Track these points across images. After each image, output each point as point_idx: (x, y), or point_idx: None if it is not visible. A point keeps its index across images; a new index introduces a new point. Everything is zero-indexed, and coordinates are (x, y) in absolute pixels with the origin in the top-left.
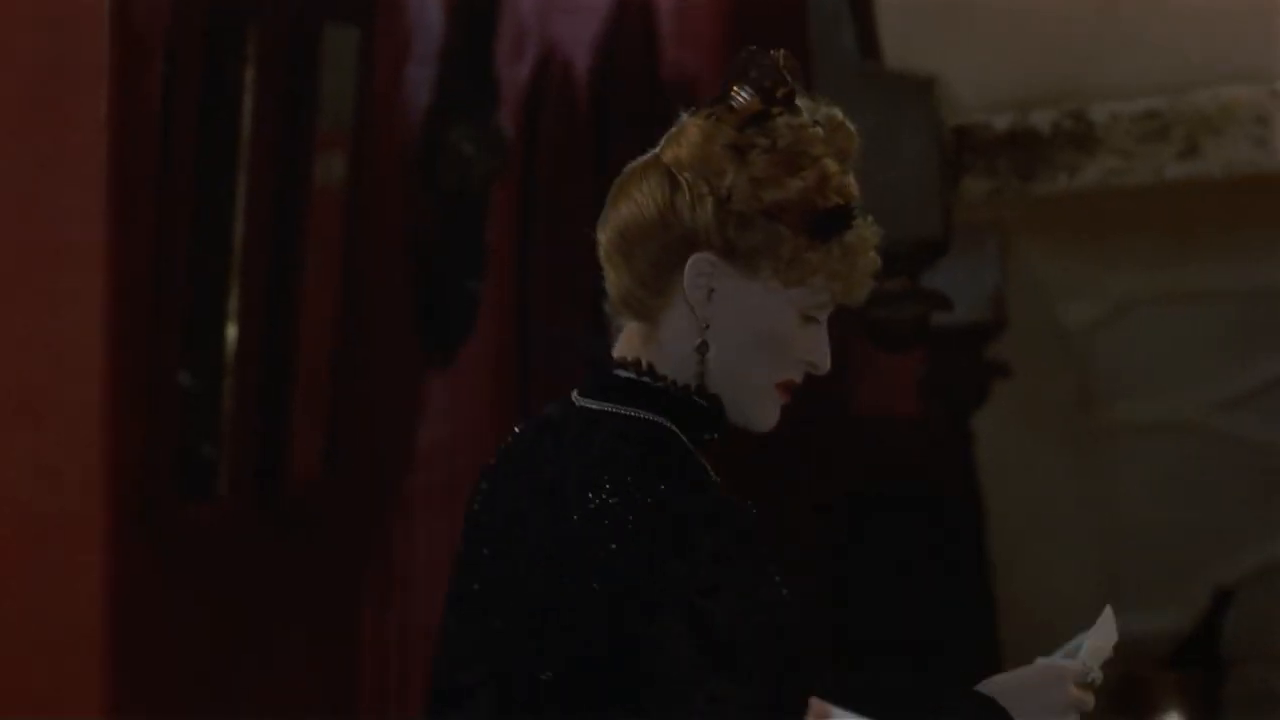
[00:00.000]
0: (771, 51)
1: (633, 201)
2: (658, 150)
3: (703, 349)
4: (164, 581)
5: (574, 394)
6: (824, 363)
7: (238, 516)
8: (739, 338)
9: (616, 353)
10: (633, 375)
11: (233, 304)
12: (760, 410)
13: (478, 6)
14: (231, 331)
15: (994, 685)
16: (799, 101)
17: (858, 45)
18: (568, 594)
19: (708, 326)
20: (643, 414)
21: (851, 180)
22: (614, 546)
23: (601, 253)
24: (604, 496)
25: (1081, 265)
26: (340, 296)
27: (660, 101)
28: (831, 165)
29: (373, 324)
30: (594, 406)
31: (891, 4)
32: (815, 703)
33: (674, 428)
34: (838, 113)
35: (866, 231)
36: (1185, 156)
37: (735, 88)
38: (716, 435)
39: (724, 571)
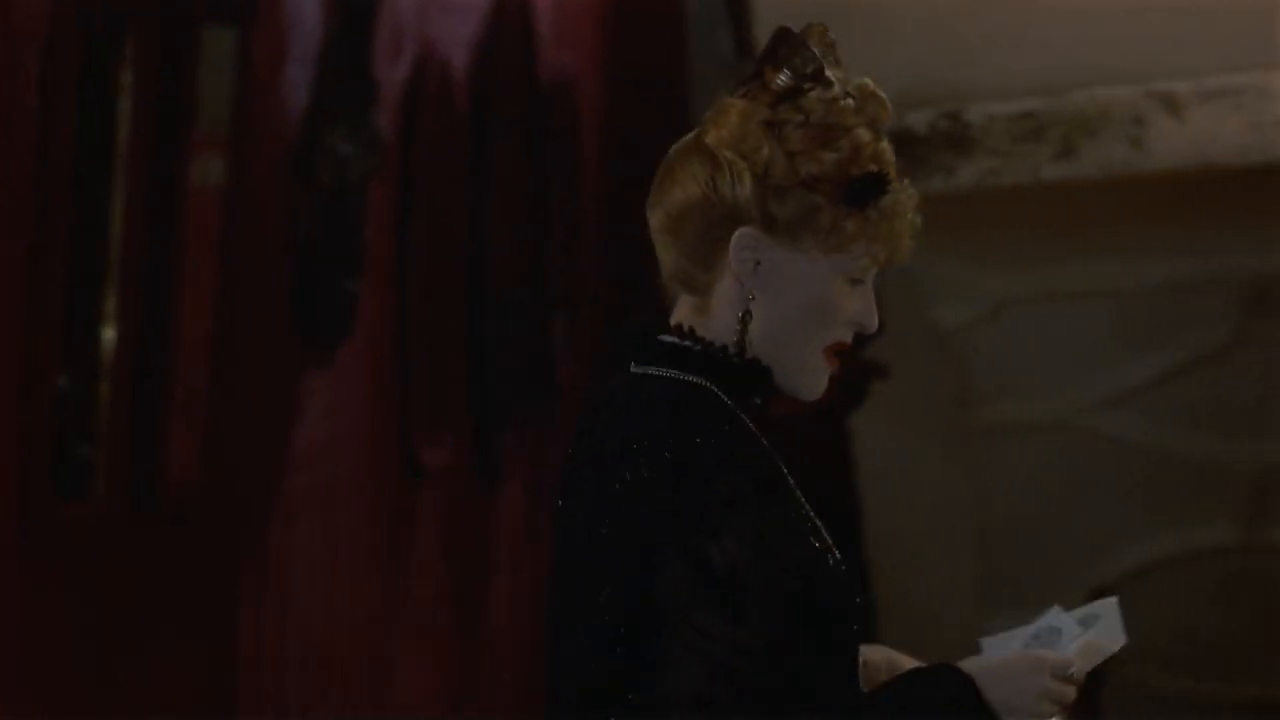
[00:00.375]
0: (807, 27)
1: (677, 183)
2: (699, 132)
3: (746, 318)
4: (40, 582)
5: (631, 363)
6: (871, 322)
7: (115, 517)
8: (786, 307)
9: (672, 322)
10: (676, 340)
11: (110, 306)
12: (809, 378)
13: (355, 6)
14: (109, 333)
15: (975, 665)
16: (830, 74)
17: (735, 48)
18: (609, 559)
19: (753, 298)
20: (686, 376)
21: (886, 147)
22: (644, 513)
23: (652, 232)
24: (640, 471)
25: (959, 266)
26: (218, 297)
27: (538, 101)
28: (864, 135)
29: (251, 324)
30: (642, 372)
31: (769, 7)
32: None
33: (716, 389)
34: (869, 82)
35: (904, 195)
36: (1061, 157)
37: (769, 67)
38: (760, 400)
39: (734, 516)
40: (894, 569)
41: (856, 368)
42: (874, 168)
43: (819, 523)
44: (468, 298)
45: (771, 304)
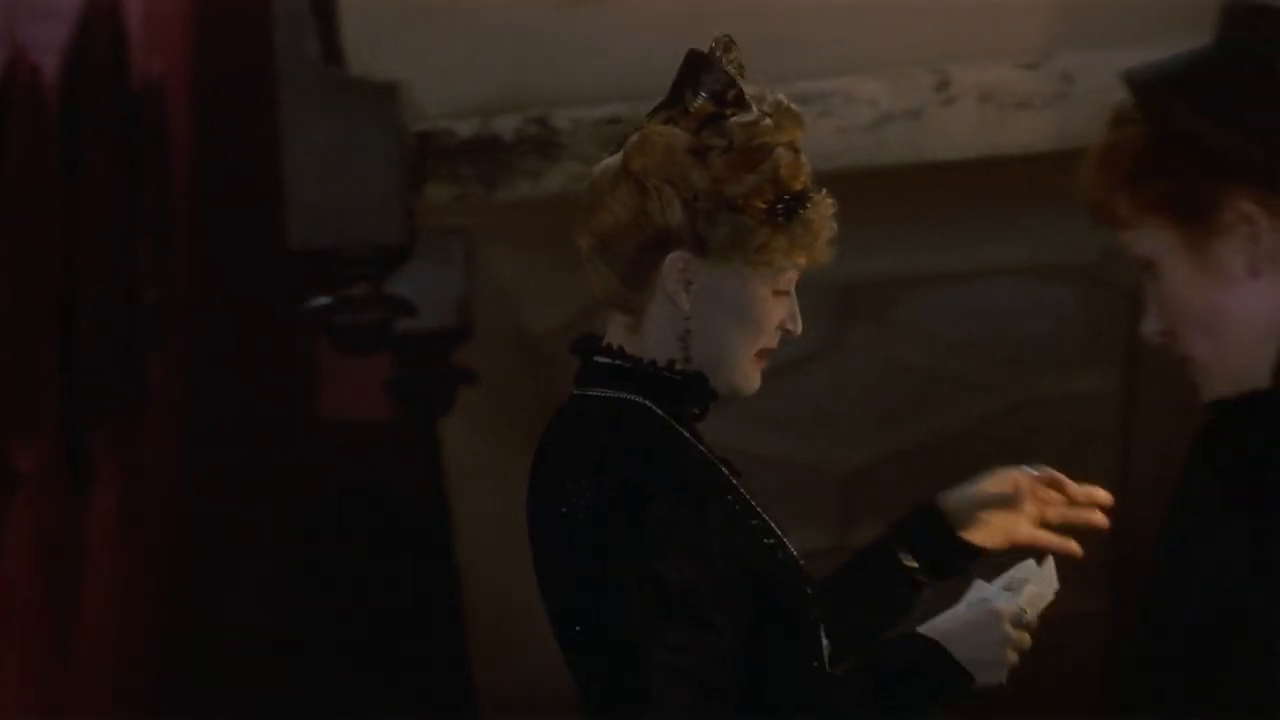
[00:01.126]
0: (717, 42)
1: (606, 208)
2: (624, 157)
3: (686, 338)
4: None
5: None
6: (797, 326)
7: None
8: (719, 322)
9: (605, 342)
10: (610, 360)
11: None
12: (744, 379)
13: None
14: None
15: (934, 627)
16: (747, 92)
17: (322, 51)
18: (574, 592)
19: (689, 317)
20: (622, 395)
21: (804, 161)
22: (590, 542)
23: (583, 255)
24: (583, 496)
25: (546, 271)
26: None
27: (129, 105)
28: (784, 155)
29: None
30: (584, 394)
31: (355, 10)
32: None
33: (651, 404)
34: (783, 98)
35: (823, 205)
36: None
37: (688, 92)
38: (700, 410)
39: (674, 532)
40: (485, 574)
41: (444, 373)
42: (797, 186)
43: (767, 517)
44: (58, 300)
45: (706, 320)
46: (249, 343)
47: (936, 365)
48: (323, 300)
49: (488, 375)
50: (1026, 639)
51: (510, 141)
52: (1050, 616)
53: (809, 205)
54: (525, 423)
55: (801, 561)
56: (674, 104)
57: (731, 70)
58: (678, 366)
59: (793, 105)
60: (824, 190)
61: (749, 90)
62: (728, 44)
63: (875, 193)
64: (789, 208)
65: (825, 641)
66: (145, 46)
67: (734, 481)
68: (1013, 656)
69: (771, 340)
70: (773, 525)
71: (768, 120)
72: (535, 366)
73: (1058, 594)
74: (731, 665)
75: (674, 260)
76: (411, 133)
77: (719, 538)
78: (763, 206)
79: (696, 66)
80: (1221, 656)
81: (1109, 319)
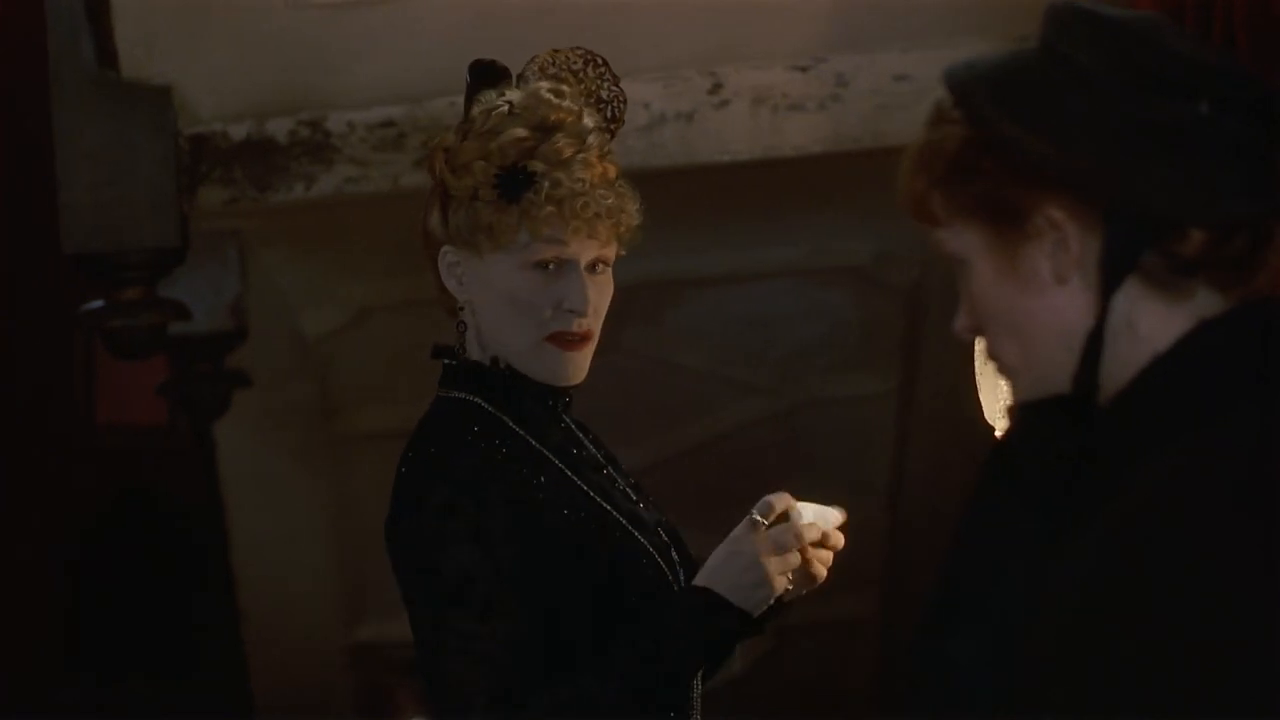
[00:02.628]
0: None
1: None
2: None
3: (461, 329)
4: None
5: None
6: (575, 303)
7: None
8: (493, 309)
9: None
10: (449, 363)
11: None
12: (540, 366)
13: None
14: None
15: (702, 575)
16: (509, 92)
17: (95, 54)
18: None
19: (462, 308)
20: (453, 393)
21: (552, 141)
22: (398, 542)
23: None
24: (397, 498)
25: (321, 273)
26: None
27: None
28: (515, 133)
29: None
30: (438, 394)
31: (128, 14)
32: (779, 498)
33: (479, 400)
34: (542, 88)
35: (569, 177)
36: (421, 165)
37: (469, 100)
38: (520, 402)
39: (450, 520)
40: (259, 578)
41: (219, 376)
42: (513, 160)
43: (609, 507)
44: None
45: (482, 309)
46: (26, 346)
47: (712, 367)
48: (96, 304)
49: (263, 378)
50: (793, 559)
51: (284, 145)
52: (823, 621)
53: (540, 180)
54: (300, 426)
55: (654, 553)
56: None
57: (534, 72)
58: (499, 362)
59: (553, 95)
60: (592, 159)
61: (522, 87)
62: (545, 62)
63: (649, 195)
64: (511, 183)
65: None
66: None
67: (570, 474)
68: (781, 578)
69: (558, 323)
70: (609, 490)
71: (504, 106)
72: (310, 369)
73: (830, 589)
74: (532, 645)
75: (442, 255)
76: (185, 136)
77: (502, 523)
78: (490, 187)
79: (470, 74)
80: (1007, 664)
81: (884, 321)
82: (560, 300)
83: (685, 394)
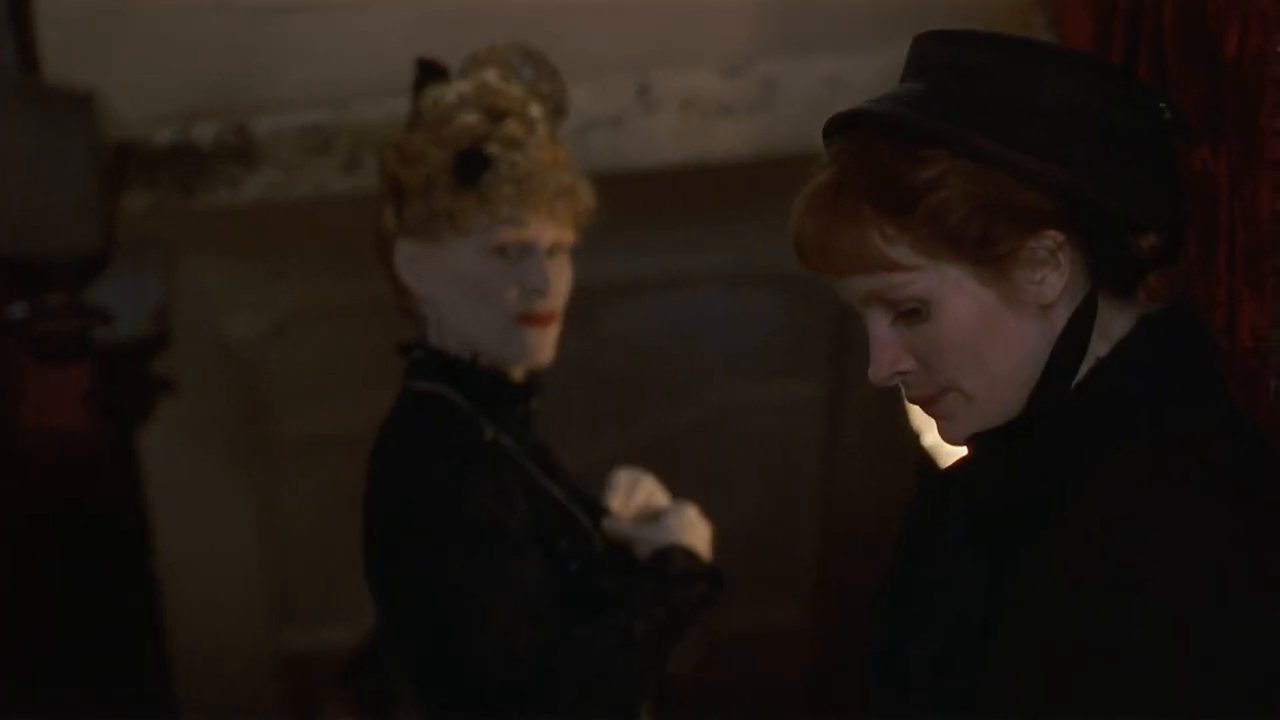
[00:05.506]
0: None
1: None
2: None
3: (435, 324)
4: None
5: None
6: (536, 283)
7: None
8: (456, 298)
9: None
10: (420, 355)
11: None
12: (509, 346)
13: None
14: None
15: (666, 537)
16: (456, 83)
17: (17, 59)
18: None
19: (425, 300)
20: (423, 384)
21: (506, 125)
22: (370, 539)
23: None
24: (370, 491)
25: (246, 278)
26: None
27: None
28: (468, 119)
29: None
30: (405, 386)
31: (52, 18)
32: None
33: (450, 393)
34: (489, 76)
35: (524, 158)
36: (348, 169)
37: (415, 96)
38: (483, 392)
39: (470, 478)
40: (185, 585)
41: (143, 382)
42: (466, 145)
43: (569, 507)
44: None
45: (444, 301)
46: None
47: (640, 373)
48: (19, 309)
49: (187, 384)
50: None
51: (209, 149)
52: (754, 628)
53: (497, 162)
54: (225, 431)
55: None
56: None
57: (474, 67)
58: (460, 354)
59: (502, 84)
60: (544, 140)
61: (464, 83)
62: (502, 53)
63: None
64: (469, 165)
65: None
66: None
67: (525, 465)
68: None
69: (525, 303)
70: (574, 514)
71: (450, 97)
72: (235, 374)
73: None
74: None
75: (398, 250)
76: (109, 140)
77: (506, 496)
78: (445, 173)
79: (420, 72)
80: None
81: (813, 328)
82: (523, 281)
83: (613, 400)
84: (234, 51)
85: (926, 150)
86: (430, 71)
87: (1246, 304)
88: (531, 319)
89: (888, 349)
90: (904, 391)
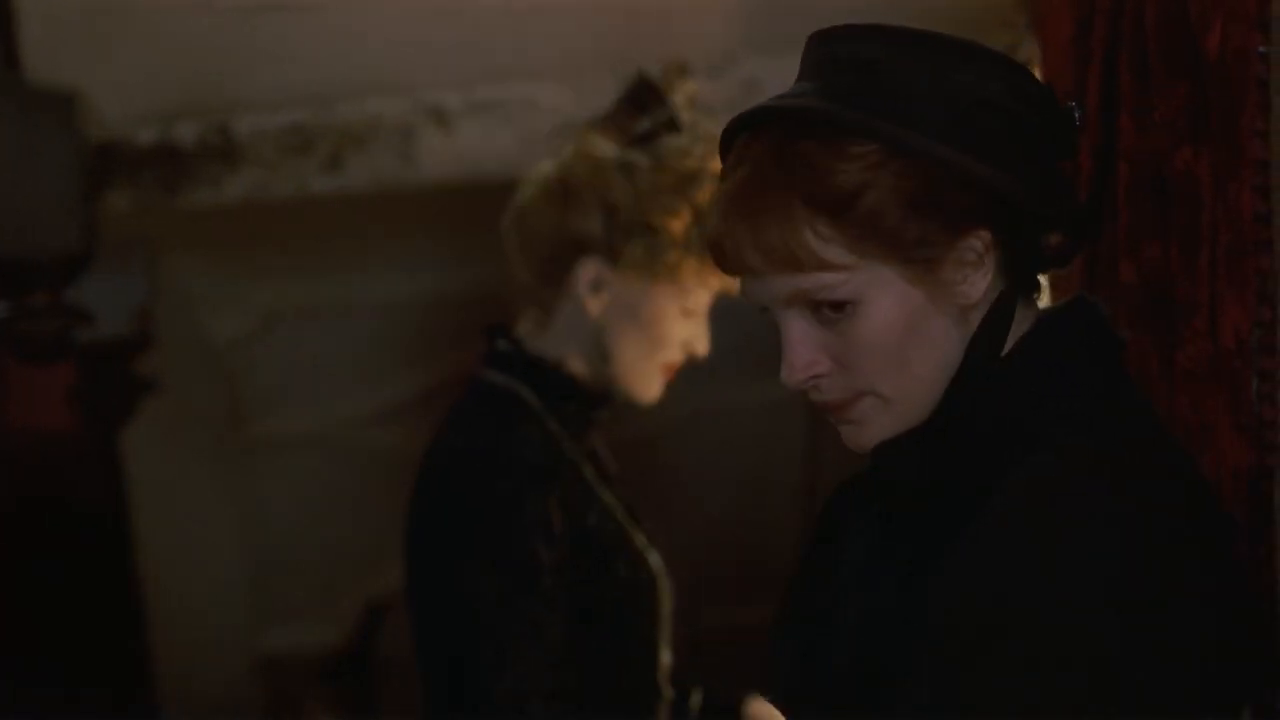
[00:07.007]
0: (656, 70)
1: (534, 208)
2: (559, 163)
3: (593, 341)
4: None
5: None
6: (702, 348)
7: None
8: (625, 331)
9: (514, 332)
10: (504, 348)
11: None
12: (644, 388)
13: None
14: None
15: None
16: (683, 120)
17: (1, 58)
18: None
19: (596, 321)
20: (497, 376)
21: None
22: (450, 514)
23: (506, 247)
24: (448, 474)
25: (229, 279)
26: None
27: None
28: (707, 182)
29: None
30: (477, 375)
31: (33, 17)
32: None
33: (524, 389)
34: (712, 128)
35: None
36: (330, 169)
37: (630, 111)
38: (589, 408)
39: (521, 512)
40: (167, 585)
41: (125, 382)
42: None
43: (621, 520)
44: None
45: (613, 328)
46: None
47: None
48: (1, 308)
49: (170, 383)
50: None
51: (191, 149)
52: (736, 626)
53: None
54: (208, 432)
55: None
56: (614, 120)
57: (680, 98)
58: (571, 367)
59: (714, 139)
60: None
61: (686, 116)
62: (681, 69)
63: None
64: (704, 234)
65: (668, 657)
66: None
67: (589, 480)
68: None
69: (677, 356)
70: (628, 531)
71: (699, 146)
72: (218, 375)
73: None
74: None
75: (588, 266)
76: (91, 140)
77: (558, 520)
78: (679, 228)
79: (641, 90)
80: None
81: None
82: (692, 341)
83: None
84: (216, 51)
85: (856, 146)
86: (649, 94)
87: (1230, 305)
88: (672, 369)
89: (804, 350)
90: (812, 396)
